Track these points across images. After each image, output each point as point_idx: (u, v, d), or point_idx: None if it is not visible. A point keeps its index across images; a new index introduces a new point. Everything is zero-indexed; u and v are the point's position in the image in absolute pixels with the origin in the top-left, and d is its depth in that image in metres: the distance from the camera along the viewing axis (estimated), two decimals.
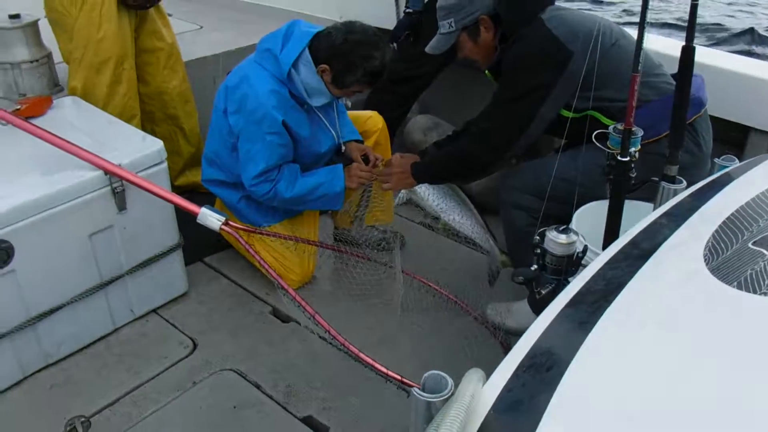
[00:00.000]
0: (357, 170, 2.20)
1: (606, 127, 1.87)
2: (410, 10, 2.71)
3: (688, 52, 1.61)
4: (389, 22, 2.94)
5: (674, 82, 1.96)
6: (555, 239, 1.46)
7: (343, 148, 2.29)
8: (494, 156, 1.97)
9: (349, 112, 2.40)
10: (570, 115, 1.89)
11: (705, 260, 1.06)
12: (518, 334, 0.97)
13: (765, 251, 1.05)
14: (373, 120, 2.44)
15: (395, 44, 2.73)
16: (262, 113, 2.01)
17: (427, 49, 2.09)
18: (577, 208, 1.81)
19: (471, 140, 2.05)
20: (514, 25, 1.94)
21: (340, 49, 1.97)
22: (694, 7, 1.54)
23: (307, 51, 2.01)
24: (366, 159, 2.25)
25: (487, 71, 2.14)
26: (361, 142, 2.35)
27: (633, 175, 1.56)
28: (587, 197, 1.81)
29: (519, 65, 1.91)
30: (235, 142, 2.12)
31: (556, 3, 2.01)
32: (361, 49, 1.97)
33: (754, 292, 0.93)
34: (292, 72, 2.01)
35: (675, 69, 1.65)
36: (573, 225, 1.81)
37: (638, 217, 1.34)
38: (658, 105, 1.88)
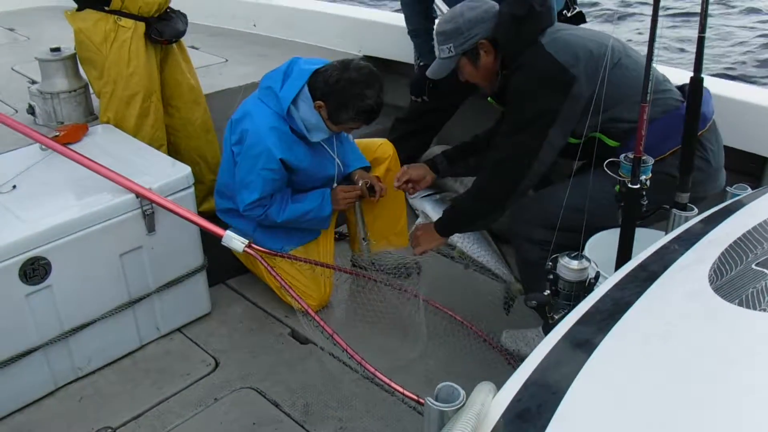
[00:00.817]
0: (341, 192, 2.27)
1: (612, 148, 1.89)
2: (423, 63, 2.76)
3: (696, 84, 1.64)
4: (407, 55, 3.04)
5: (681, 97, 1.98)
6: (567, 265, 1.48)
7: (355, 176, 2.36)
8: (510, 188, 1.95)
9: (360, 140, 2.46)
10: (574, 141, 1.89)
11: (710, 280, 1.10)
12: None
13: (767, 271, 1.08)
14: (383, 147, 2.49)
15: (424, 98, 2.76)
16: (260, 149, 2.09)
17: (428, 74, 2.11)
18: (587, 237, 1.80)
19: (484, 175, 2.03)
20: (513, 50, 1.92)
21: (334, 88, 2.04)
22: (701, 39, 1.56)
23: (306, 88, 2.08)
24: (372, 189, 2.31)
25: (490, 98, 2.15)
26: (369, 168, 2.40)
27: (644, 203, 1.60)
28: (598, 226, 1.80)
29: (523, 94, 1.90)
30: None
31: (556, 23, 1.99)
32: (355, 88, 2.03)
33: (754, 308, 0.97)
34: (291, 109, 2.09)
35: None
36: (586, 252, 1.84)
37: (650, 244, 1.36)
38: (664, 123, 1.86)
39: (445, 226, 2.13)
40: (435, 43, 2.06)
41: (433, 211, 2.30)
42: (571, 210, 1.73)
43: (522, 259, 2.11)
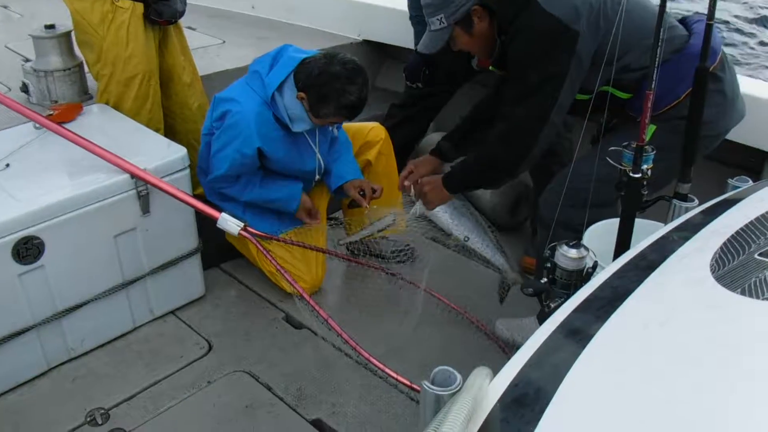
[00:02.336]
0: (307, 206, 2.28)
1: (623, 101, 1.83)
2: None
3: (701, 73, 1.62)
4: (407, 40, 3.01)
5: (685, 31, 1.90)
6: (566, 254, 1.47)
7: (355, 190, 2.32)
8: (521, 155, 1.88)
9: (351, 124, 2.42)
10: (584, 97, 1.81)
11: (711, 269, 1.09)
12: None
13: None
14: (375, 131, 2.47)
15: (419, 84, 2.72)
16: (238, 131, 2.07)
17: (419, 48, 2.02)
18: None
19: (495, 145, 1.94)
20: (508, 13, 1.83)
21: (316, 81, 2.01)
22: (708, 27, 1.53)
23: (292, 76, 2.05)
24: (363, 193, 2.28)
25: (491, 66, 2.05)
26: (361, 178, 2.36)
27: (645, 192, 1.58)
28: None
29: (526, 60, 1.81)
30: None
31: None
32: (337, 83, 1.99)
33: (757, 297, 0.96)
34: (276, 95, 2.06)
35: None
36: (585, 242, 1.83)
37: (648, 234, 1.35)
38: (675, 64, 1.78)
39: (454, 184, 2.04)
40: (425, 16, 1.94)
41: (445, 213, 2.22)
42: (598, 181, 1.67)
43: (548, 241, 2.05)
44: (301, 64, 2.06)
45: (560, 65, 1.77)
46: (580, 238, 1.59)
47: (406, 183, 2.16)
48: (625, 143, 1.58)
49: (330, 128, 2.29)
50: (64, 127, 2.08)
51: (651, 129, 1.77)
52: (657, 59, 1.45)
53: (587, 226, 1.82)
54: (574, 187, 1.85)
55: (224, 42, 3.48)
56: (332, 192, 2.39)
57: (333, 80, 2.00)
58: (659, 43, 1.44)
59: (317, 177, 2.34)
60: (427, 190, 2.07)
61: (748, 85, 2.47)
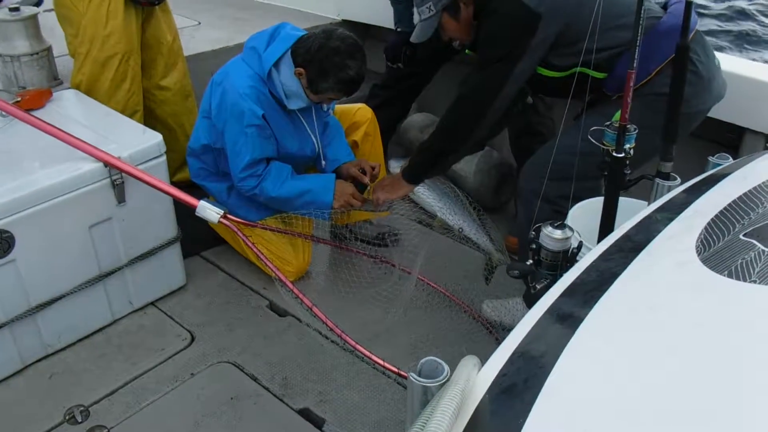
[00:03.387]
0: (348, 191, 2.15)
1: (595, 80, 1.90)
2: (401, 30, 2.68)
3: (682, 51, 1.62)
4: (387, 20, 2.96)
5: (659, 10, 1.97)
6: (550, 235, 1.47)
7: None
8: (472, 123, 1.96)
9: (338, 105, 2.40)
10: (555, 74, 1.91)
11: (697, 251, 1.08)
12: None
13: (755, 242, 1.07)
14: (362, 112, 2.45)
15: (400, 65, 2.69)
16: (240, 108, 2.03)
17: (412, 39, 2.09)
18: (597, 179, 1.77)
19: (450, 110, 2.03)
20: None
21: (315, 55, 1.99)
22: (688, 5, 1.54)
23: (289, 53, 2.03)
24: (363, 171, 2.24)
25: (467, 50, 2.14)
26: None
27: (628, 172, 1.58)
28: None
29: (490, 38, 1.93)
30: (217, 137, 2.15)
31: None
32: (336, 58, 1.98)
33: (744, 280, 0.95)
34: (273, 72, 2.03)
35: None
36: (568, 221, 1.82)
37: (633, 214, 1.35)
38: (644, 42, 1.79)
39: (411, 171, 2.11)
40: (414, 6, 2.02)
41: (429, 195, 2.23)
42: (575, 155, 1.71)
43: (529, 217, 2.07)
44: (299, 41, 2.03)
45: (518, 45, 1.87)
46: (559, 212, 1.60)
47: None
48: (607, 122, 1.59)
49: (324, 109, 2.26)
50: (32, 115, 2.00)
51: None
52: (639, 37, 1.45)
53: (564, 199, 1.85)
54: (552, 161, 1.91)
55: (200, 23, 3.39)
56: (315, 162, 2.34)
57: (333, 54, 1.98)
58: (640, 22, 1.43)
59: (322, 163, 2.28)
60: (385, 183, 2.16)
61: (725, 61, 2.48)
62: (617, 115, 1.86)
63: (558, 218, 1.51)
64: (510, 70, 1.88)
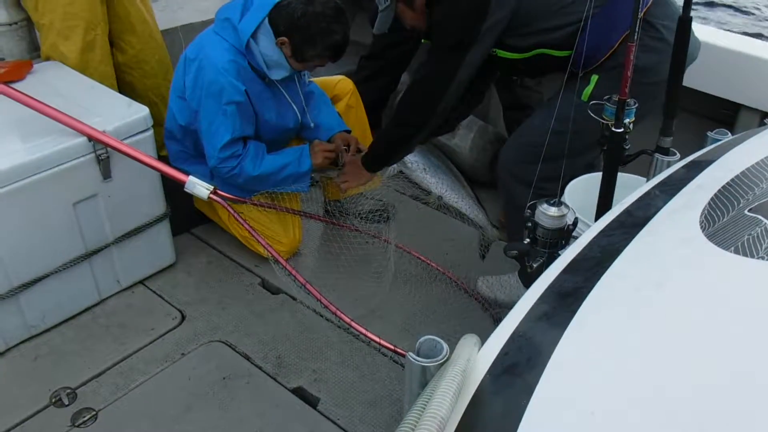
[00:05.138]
0: (320, 146, 2.16)
1: (560, 59, 1.90)
2: None
3: (684, 24, 1.58)
4: None
5: None
6: (546, 212, 1.44)
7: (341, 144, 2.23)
8: (429, 108, 1.93)
9: (318, 79, 2.35)
10: (517, 56, 1.90)
11: (701, 227, 1.05)
12: (509, 307, 0.97)
13: (761, 217, 1.04)
14: (342, 84, 2.40)
15: (385, 31, 2.66)
16: (220, 85, 1.95)
17: (374, 31, 2.07)
18: (572, 160, 1.75)
19: (403, 99, 2.03)
20: None
21: (299, 22, 1.92)
22: None
23: (267, 21, 1.94)
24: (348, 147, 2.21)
25: (423, 39, 2.11)
26: (349, 131, 2.29)
27: (627, 147, 1.55)
28: (578, 145, 1.75)
29: (442, 24, 1.91)
30: (193, 118, 2.07)
31: None
32: (322, 22, 1.92)
33: (752, 256, 0.93)
34: (251, 43, 1.95)
35: None
36: (564, 198, 1.80)
37: (629, 190, 1.33)
38: (604, 14, 1.83)
39: (371, 160, 2.11)
40: None
41: (424, 170, 2.21)
42: (550, 135, 1.67)
43: (511, 202, 2.07)
44: (276, 8, 1.94)
45: (470, 30, 1.85)
46: (543, 194, 1.58)
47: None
48: (607, 96, 1.56)
49: (304, 79, 2.21)
50: (11, 87, 1.92)
51: (594, 79, 1.89)
52: (639, 13, 1.40)
53: (541, 181, 1.81)
54: (526, 143, 1.97)
55: None
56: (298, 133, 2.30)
57: (318, 20, 1.91)
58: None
59: (298, 134, 2.24)
60: (346, 171, 2.15)
61: (720, 37, 2.45)
62: (586, 92, 1.86)
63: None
64: (462, 57, 1.86)
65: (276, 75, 2.02)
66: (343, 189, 2.18)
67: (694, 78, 2.01)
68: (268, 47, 1.96)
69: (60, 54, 2.24)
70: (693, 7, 1.60)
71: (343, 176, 2.16)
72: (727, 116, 2.43)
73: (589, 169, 2.00)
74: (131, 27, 2.42)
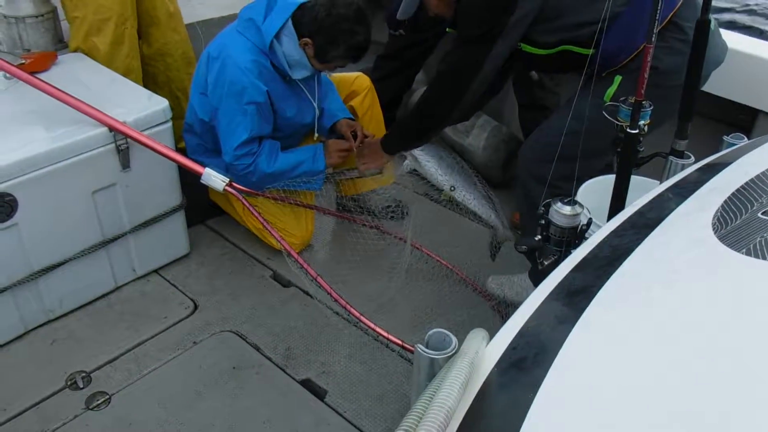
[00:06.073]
0: (335, 146, 2.20)
1: (584, 57, 1.84)
2: None
3: (702, 27, 1.58)
4: None
5: None
6: (559, 210, 1.45)
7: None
8: (453, 100, 1.94)
9: (336, 75, 2.37)
10: (542, 52, 1.89)
11: (713, 228, 1.05)
12: (518, 306, 0.97)
13: None
14: (359, 81, 2.43)
15: (401, 31, 2.66)
16: (242, 84, 1.98)
17: (398, 15, 2.07)
18: (588, 162, 1.77)
19: (429, 88, 2.03)
20: None
21: (323, 24, 1.94)
22: None
23: (290, 22, 1.97)
24: (355, 135, 2.23)
25: (448, 29, 2.13)
26: (352, 119, 2.32)
27: (641, 149, 1.55)
28: (595, 147, 1.78)
29: (468, 14, 1.90)
30: (213, 114, 2.10)
31: None
32: (345, 24, 1.95)
33: (763, 258, 0.93)
34: (274, 43, 1.98)
35: None
36: (578, 198, 1.79)
37: (643, 192, 1.32)
38: (629, 16, 1.82)
39: (390, 142, 2.13)
40: None
41: (436, 169, 2.22)
42: (570, 135, 1.70)
43: (527, 200, 2.07)
44: (300, 9, 1.97)
45: (496, 21, 1.84)
46: (560, 193, 1.59)
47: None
48: (622, 98, 1.55)
49: (328, 85, 2.25)
50: (37, 77, 1.97)
51: (617, 79, 1.87)
52: (657, 15, 1.40)
53: (562, 180, 1.83)
54: (547, 142, 1.92)
55: None
56: (324, 134, 2.32)
57: (341, 22, 1.95)
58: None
59: (316, 135, 2.26)
60: (365, 152, 2.18)
61: (739, 42, 2.43)
62: (609, 93, 1.85)
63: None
64: (488, 49, 1.86)
65: (298, 74, 2.05)
66: (361, 170, 2.20)
67: (712, 82, 2.00)
68: (290, 47, 1.99)
69: (91, 46, 2.29)
70: (727, 12, 1.59)
71: (361, 158, 2.18)
72: (745, 121, 2.41)
73: (609, 170, 2.00)
74: (157, 20, 2.46)
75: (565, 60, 1.89)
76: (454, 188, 2.22)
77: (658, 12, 1.44)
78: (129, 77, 2.33)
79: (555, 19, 1.83)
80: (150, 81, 2.54)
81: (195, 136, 2.26)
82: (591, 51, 1.86)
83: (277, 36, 1.98)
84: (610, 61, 1.83)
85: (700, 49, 1.59)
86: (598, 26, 1.79)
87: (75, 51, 2.33)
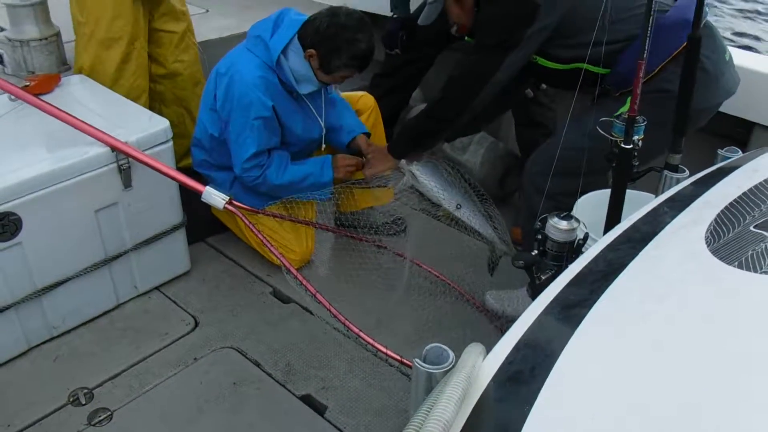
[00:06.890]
0: (343, 160, 2.23)
1: (596, 75, 1.90)
2: (397, 16, 2.71)
3: (693, 44, 1.60)
4: (386, 8, 2.94)
5: (669, 1, 1.93)
6: (556, 225, 1.47)
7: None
8: (462, 104, 1.98)
9: (342, 94, 2.41)
10: (557, 66, 1.91)
11: (706, 242, 1.07)
12: (515, 320, 0.99)
13: (767, 233, 1.06)
14: (364, 100, 2.47)
15: (397, 50, 2.71)
16: (250, 99, 2.02)
17: (420, 21, 2.13)
18: (593, 178, 1.79)
19: (440, 91, 2.06)
20: None
21: (325, 34, 1.98)
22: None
23: (296, 38, 2.02)
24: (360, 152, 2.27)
25: (467, 37, 2.15)
26: (369, 134, 2.35)
27: (636, 164, 1.57)
28: (599, 166, 1.75)
29: (488, 24, 1.94)
30: (223, 128, 2.14)
31: None
32: (346, 33, 1.98)
33: (755, 271, 0.95)
34: (281, 59, 2.03)
35: None
36: (574, 213, 1.81)
37: (639, 206, 1.34)
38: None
39: (397, 146, 2.17)
40: None
41: (434, 184, 2.24)
42: (577, 151, 1.72)
43: (533, 216, 2.07)
44: (304, 24, 2.03)
45: (514, 32, 1.88)
46: (564, 207, 1.61)
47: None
48: (617, 114, 1.58)
49: (331, 90, 2.27)
50: (41, 99, 2.00)
51: (629, 100, 1.83)
52: (650, 29, 1.43)
53: (565, 195, 1.86)
54: (552, 157, 1.93)
55: (207, 11, 3.37)
56: (345, 147, 2.35)
57: (342, 31, 1.98)
58: (650, 14, 1.42)
59: (323, 146, 2.30)
60: (371, 157, 2.21)
61: (735, 55, 2.45)
62: (619, 113, 1.86)
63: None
64: (503, 57, 1.89)
65: (304, 89, 2.09)
66: (367, 175, 2.22)
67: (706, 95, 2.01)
68: (297, 62, 2.03)
69: (97, 64, 2.32)
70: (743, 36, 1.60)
71: (367, 165, 2.21)
72: (740, 135, 2.43)
73: (595, 188, 2.01)
74: (169, 42, 2.50)
75: (576, 77, 1.88)
76: (460, 206, 2.24)
77: (649, 29, 1.48)
78: (135, 95, 2.37)
79: (572, 36, 1.86)
80: (157, 99, 2.57)
81: (203, 151, 2.29)
82: (604, 71, 1.90)
83: (284, 51, 2.03)
84: (624, 83, 1.85)
85: (692, 64, 1.61)
86: (614, 46, 1.83)
87: (79, 67, 2.37)
